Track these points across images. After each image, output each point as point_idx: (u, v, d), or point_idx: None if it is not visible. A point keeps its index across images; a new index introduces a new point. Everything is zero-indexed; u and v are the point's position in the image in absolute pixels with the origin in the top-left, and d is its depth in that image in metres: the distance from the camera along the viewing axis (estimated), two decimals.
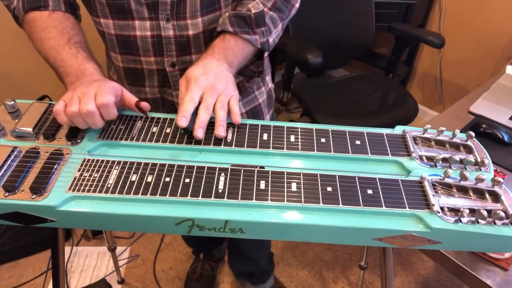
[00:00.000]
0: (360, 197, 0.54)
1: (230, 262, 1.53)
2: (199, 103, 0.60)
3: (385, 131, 0.65)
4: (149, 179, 0.55)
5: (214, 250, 1.57)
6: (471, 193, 0.56)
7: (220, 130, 0.59)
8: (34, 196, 0.52)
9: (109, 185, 0.54)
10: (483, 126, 1.03)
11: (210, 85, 0.61)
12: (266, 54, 0.77)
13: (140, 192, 0.53)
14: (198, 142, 0.61)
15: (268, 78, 0.96)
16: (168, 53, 0.74)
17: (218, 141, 0.61)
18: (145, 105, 0.63)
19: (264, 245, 1.37)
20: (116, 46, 0.75)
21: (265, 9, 0.73)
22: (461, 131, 0.63)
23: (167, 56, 0.74)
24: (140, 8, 0.69)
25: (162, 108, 0.84)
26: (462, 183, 0.56)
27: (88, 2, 0.72)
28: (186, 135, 0.61)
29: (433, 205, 0.53)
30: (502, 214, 0.51)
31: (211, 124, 0.64)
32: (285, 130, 0.64)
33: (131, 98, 0.63)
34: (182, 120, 0.57)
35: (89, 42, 0.72)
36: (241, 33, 0.69)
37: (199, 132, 0.58)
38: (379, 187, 0.56)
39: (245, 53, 0.71)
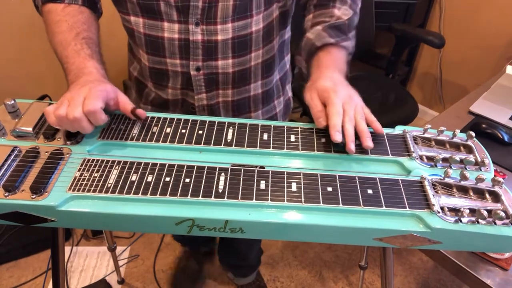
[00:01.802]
0: (360, 197, 0.54)
1: (220, 253, 1.54)
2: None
3: (385, 131, 0.65)
4: (149, 179, 0.55)
5: (200, 247, 1.59)
6: (471, 193, 0.56)
7: (369, 142, 0.59)
8: (34, 196, 0.52)
9: (109, 185, 0.54)
10: (483, 126, 1.03)
11: (348, 96, 0.62)
12: (350, 57, 0.77)
13: (140, 192, 0.53)
14: (198, 142, 0.61)
15: (288, 86, 0.95)
16: (194, 57, 0.73)
17: (218, 141, 0.61)
18: (141, 112, 0.62)
19: (256, 242, 1.38)
20: (144, 45, 0.74)
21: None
22: (461, 131, 0.63)
23: (193, 60, 0.74)
24: (169, 10, 0.68)
25: (180, 110, 0.83)
26: (462, 183, 0.56)
27: (118, 0, 0.71)
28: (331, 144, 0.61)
29: (433, 205, 0.53)
30: (502, 214, 0.51)
31: (211, 123, 0.64)
32: (285, 130, 0.64)
33: (126, 105, 0.62)
34: (337, 135, 0.57)
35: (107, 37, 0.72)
36: (341, 41, 0.69)
37: (352, 146, 0.58)
38: (379, 187, 0.56)
39: (346, 60, 0.72)
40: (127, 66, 0.89)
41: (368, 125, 0.62)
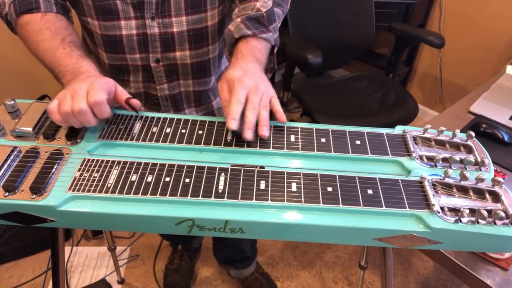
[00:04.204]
0: (360, 197, 0.54)
1: (214, 250, 1.55)
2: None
3: (385, 131, 0.65)
4: (149, 179, 0.55)
5: (192, 241, 1.59)
6: (471, 193, 0.56)
7: (265, 131, 0.59)
8: (34, 196, 0.52)
9: (109, 185, 0.54)
10: (483, 126, 1.03)
11: (254, 85, 0.61)
12: (275, 50, 0.78)
13: (140, 192, 0.53)
14: (198, 142, 0.61)
15: None
16: (153, 50, 0.76)
17: (218, 141, 0.61)
18: (135, 102, 0.62)
19: None
20: (102, 44, 0.77)
21: (273, 6, 0.74)
22: (461, 131, 0.63)
23: (152, 52, 0.77)
24: (126, 8, 0.71)
25: (145, 103, 0.86)
26: (462, 183, 0.56)
27: (75, 2, 0.73)
28: (235, 137, 0.61)
29: (433, 205, 0.53)
30: (502, 214, 0.51)
31: (211, 123, 0.64)
32: (285, 130, 0.64)
33: (122, 95, 0.62)
34: (232, 123, 0.57)
35: None
36: (260, 33, 0.70)
37: (249, 134, 0.58)
38: (379, 187, 0.56)
39: (266, 51, 0.72)
40: None
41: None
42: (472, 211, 0.52)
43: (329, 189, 0.55)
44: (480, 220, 0.52)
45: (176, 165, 0.57)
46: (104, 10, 0.71)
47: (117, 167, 0.56)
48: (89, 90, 0.57)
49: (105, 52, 0.77)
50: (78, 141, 0.60)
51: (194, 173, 0.56)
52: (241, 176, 0.56)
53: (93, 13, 0.72)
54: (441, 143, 0.64)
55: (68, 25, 0.72)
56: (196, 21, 0.75)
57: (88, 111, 0.56)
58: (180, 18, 0.74)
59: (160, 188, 0.54)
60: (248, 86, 0.61)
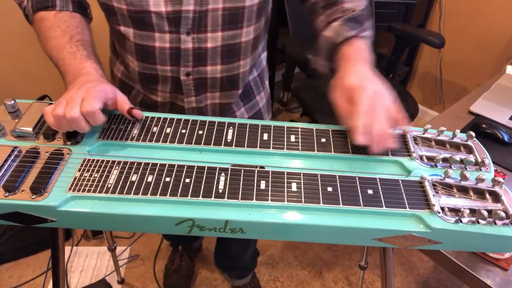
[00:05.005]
0: (360, 197, 0.54)
1: (215, 255, 1.55)
2: None
3: None
4: (149, 179, 0.55)
5: (193, 243, 1.59)
6: (471, 193, 0.56)
7: (394, 143, 0.59)
8: (34, 196, 0.52)
9: (109, 185, 0.54)
10: (483, 126, 1.03)
11: (375, 92, 0.59)
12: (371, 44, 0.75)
13: (140, 192, 0.53)
14: (198, 142, 0.61)
15: (267, 83, 0.96)
16: (184, 64, 0.74)
17: (218, 141, 0.61)
18: (137, 113, 0.62)
19: (249, 244, 1.38)
20: (134, 52, 0.75)
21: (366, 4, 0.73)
22: (461, 131, 0.63)
23: (183, 66, 0.75)
24: (161, 22, 0.69)
25: (169, 111, 0.84)
26: (463, 183, 0.56)
27: (108, 10, 0.72)
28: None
29: (434, 205, 0.53)
30: (503, 214, 0.51)
31: (211, 123, 0.64)
32: (285, 130, 0.64)
33: (123, 104, 0.62)
34: (365, 139, 0.56)
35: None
36: (360, 33, 0.68)
37: (376, 150, 0.58)
38: (380, 187, 0.56)
39: (369, 49, 0.70)
40: (107, 67, 0.89)
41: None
42: (472, 211, 0.52)
43: (329, 189, 0.55)
44: (480, 220, 0.52)
45: (176, 165, 0.57)
46: (139, 21, 0.69)
47: (117, 167, 0.56)
48: (84, 98, 0.56)
49: (136, 60, 0.76)
50: (78, 141, 0.60)
51: (194, 173, 0.56)
52: (241, 176, 0.56)
53: (128, 22, 0.70)
54: (441, 143, 0.64)
55: (80, 23, 0.71)
56: (231, 37, 0.73)
57: (81, 118, 0.56)
58: (215, 34, 0.72)
59: (160, 188, 0.54)
60: (370, 94, 0.59)
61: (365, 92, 0.59)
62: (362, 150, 0.61)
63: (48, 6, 0.69)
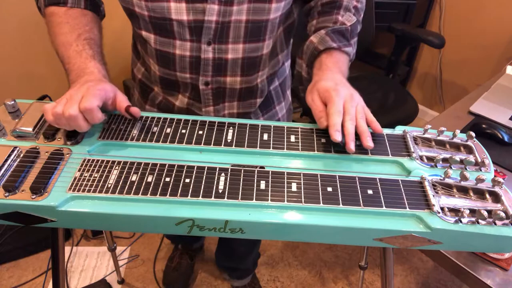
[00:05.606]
0: (360, 197, 0.54)
1: (217, 254, 1.55)
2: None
3: (385, 131, 0.65)
4: (149, 179, 0.55)
5: (194, 244, 1.60)
6: (471, 194, 0.56)
7: (369, 142, 0.59)
8: (34, 196, 0.52)
9: (109, 185, 0.54)
10: (483, 126, 1.03)
11: (349, 95, 0.61)
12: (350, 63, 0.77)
13: (140, 192, 0.53)
14: (198, 142, 0.61)
15: (288, 92, 0.95)
16: (204, 73, 0.74)
17: (218, 141, 0.61)
18: (135, 111, 0.62)
19: (255, 245, 1.38)
20: (155, 57, 0.75)
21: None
22: (461, 131, 0.63)
23: (203, 75, 0.74)
24: (182, 30, 0.69)
25: None
26: (463, 183, 0.56)
27: (131, 15, 0.72)
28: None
29: (434, 205, 0.53)
30: (502, 214, 0.51)
31: (211, 124, 0.64)
32: (285, 130, 0.64)
33: (122, 103, 0.62)
34: (337, 135, 0.57)
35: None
36: (343, 47, 0.70)
37: (352, 145, 0.58)
38: (380, 187, 0.56)
39: (348, 65, 0.72)
40: (128, 66, 0.89)
41: (368, 125, 0.62)
42: (472, 212, 0.52)
43: (329, 189, 0.55)
44: (480, 221, 0.52)
45: (176, 165, 0.57)
46: (160, 27, 0.69)
47: (117, 167, 0.56)
48: (84, 96, 0.57)
49: (157, 64, 0.76)
50: (78, 141, 0.61)
51: (194, 173, 0.56)
52: (241, 176, 0.56)
53: (150, 27, 0.70)
54: (441, 144, 0.64)
55: (90, 21, 0.71)
56: (253, 50, 0.73)
57: (79, 116, 0.56)
58: (236, 46, 0.72)
59: (160, 188, 0.54)
60: (344, 96, 0.61)
61: (338, 93, 0.61)
62: (362, 150, 0.61)
63: (59, 2, 0.70)
